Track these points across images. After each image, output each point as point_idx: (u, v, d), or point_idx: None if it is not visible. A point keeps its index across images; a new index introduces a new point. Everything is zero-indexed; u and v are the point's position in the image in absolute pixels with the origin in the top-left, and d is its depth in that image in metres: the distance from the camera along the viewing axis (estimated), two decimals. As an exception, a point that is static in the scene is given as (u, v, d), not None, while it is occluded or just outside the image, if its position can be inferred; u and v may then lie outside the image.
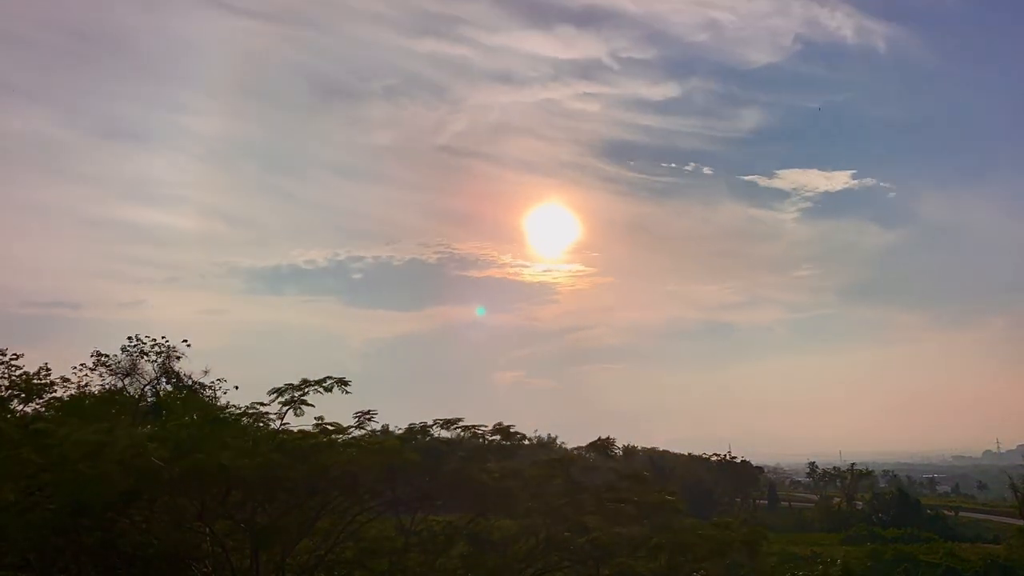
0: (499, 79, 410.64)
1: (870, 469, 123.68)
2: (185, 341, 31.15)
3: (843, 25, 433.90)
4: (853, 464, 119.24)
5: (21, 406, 22.22)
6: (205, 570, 13.61)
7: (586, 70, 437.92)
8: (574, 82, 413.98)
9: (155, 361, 30.46)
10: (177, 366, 30.65)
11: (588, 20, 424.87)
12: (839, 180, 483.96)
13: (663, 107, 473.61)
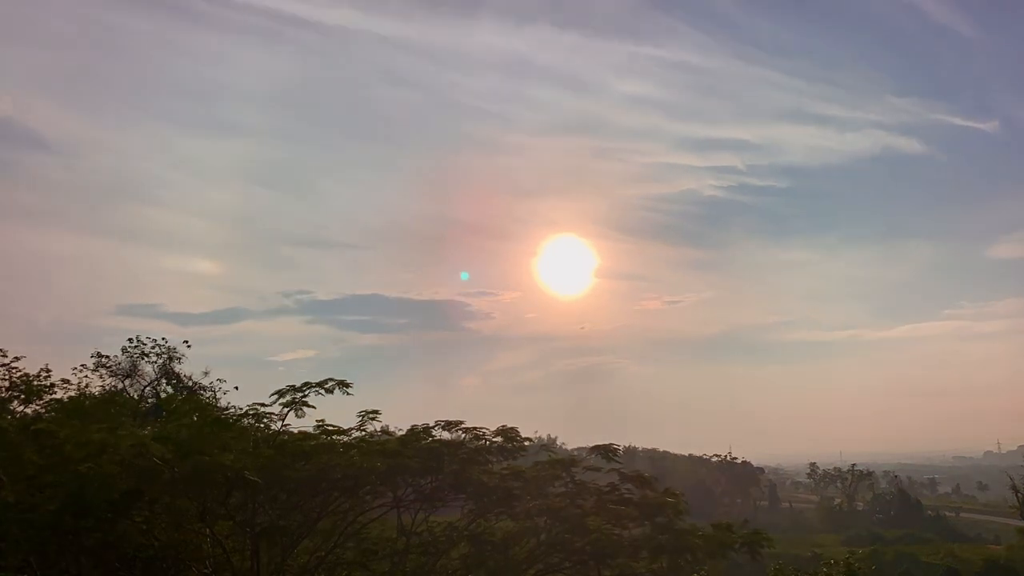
0: (652, 179, 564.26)
1: (871, 470, 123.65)
2: (186, 342, 31.22)
3: (912, 145, 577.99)
4: (854, 465, 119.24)
5: (21, 407, 22.22)
6: (205, 571, 13.59)
7: (720, 172, 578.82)
8: (709, 179, 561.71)
9: (155, 362, 30.50)
10: (177, 367, 30.70)
11: (728, 146, 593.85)
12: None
13: (763, 190, 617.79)
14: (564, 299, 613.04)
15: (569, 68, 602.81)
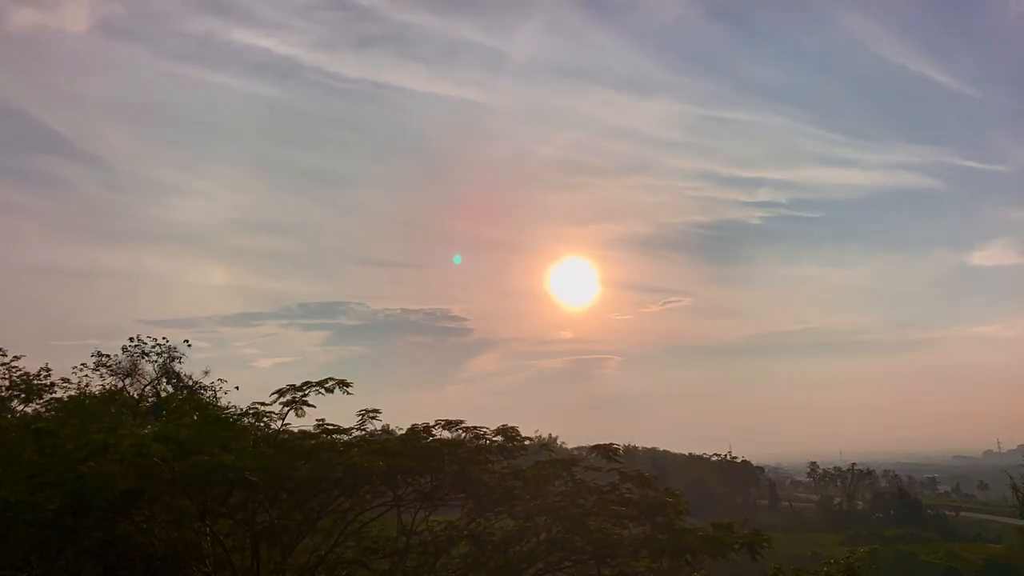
0: (699, 211, 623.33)
1: (871, 469, 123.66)
2: (186, 341, 31.23)
3: (927, 181, 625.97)
4: (854, 464, 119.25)
5: (21, 406, 22.25)
6: (206, 570, 13.59)
7: (765, 206, 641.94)
8: (754, 211, 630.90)
9: (156, 362, 30.49)
10: (178, 366, 30.69)
11: (768, 184, 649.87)
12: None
13: (797, 219, 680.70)
14: (575, 309, 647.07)
15: (625, 121, 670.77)
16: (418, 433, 14.48)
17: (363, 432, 14.71)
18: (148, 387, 30.48)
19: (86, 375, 28.42)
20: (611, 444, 15.21)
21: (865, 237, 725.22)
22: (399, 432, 15.67)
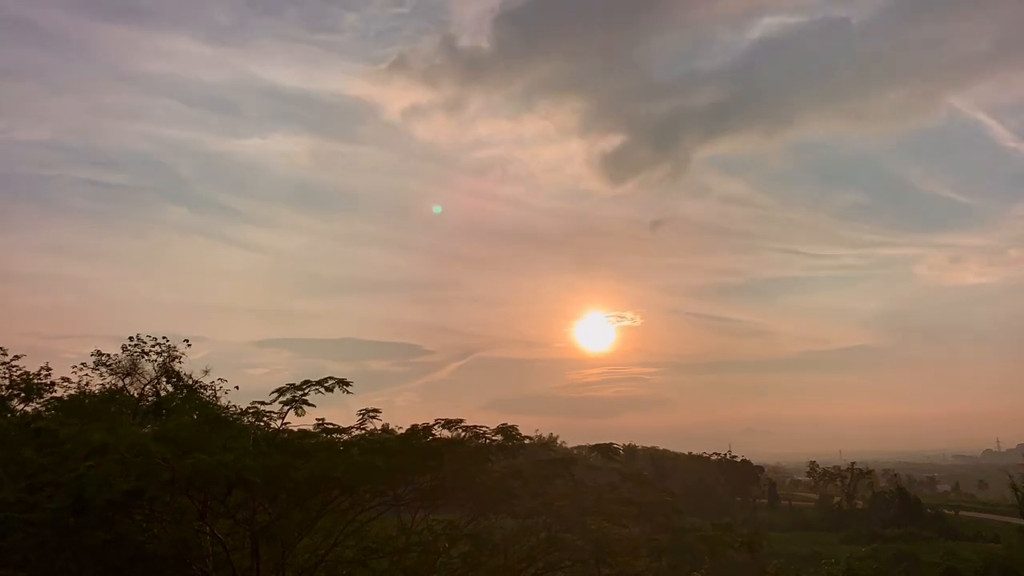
0: (792, 268, 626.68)
1: (870, 468, 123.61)
2: (186, 341, 31.17)
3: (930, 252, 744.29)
4: (853, 463, 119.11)
5: (21, 406, 22.24)
6: (206, 569, 13.60)
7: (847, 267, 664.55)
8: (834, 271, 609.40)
9: (156, 361, 30.43)
10: (178, 366, 30.62)
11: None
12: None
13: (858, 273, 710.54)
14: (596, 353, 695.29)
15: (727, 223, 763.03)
16: (418, 432, 14.47)
17: (363, 431, 14.71)
18: (148, 386, 30.43)
19: (86, 374, 28.40)
20: (611, 444, 15.21)
21: (886, 277, 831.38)
22: (399, 431, 15.65)
